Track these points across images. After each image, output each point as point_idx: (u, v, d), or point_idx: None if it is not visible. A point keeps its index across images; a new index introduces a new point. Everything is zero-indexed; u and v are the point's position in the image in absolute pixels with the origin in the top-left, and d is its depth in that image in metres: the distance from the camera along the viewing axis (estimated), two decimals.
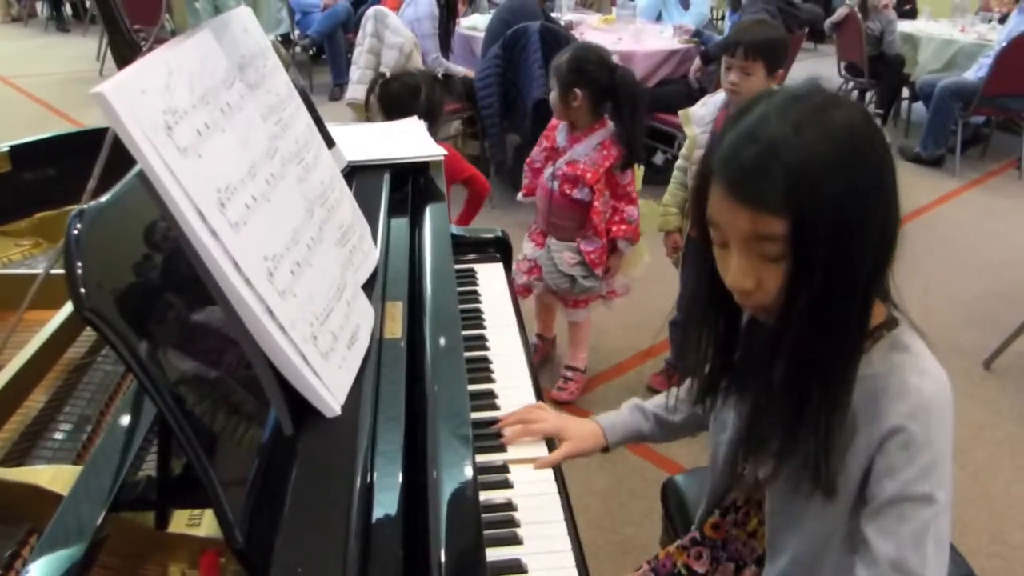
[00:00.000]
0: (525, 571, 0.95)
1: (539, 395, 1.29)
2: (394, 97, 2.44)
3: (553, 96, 2.29)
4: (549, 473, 1.13)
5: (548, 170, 2.39)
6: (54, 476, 0.80)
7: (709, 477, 1.16)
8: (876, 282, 0.85)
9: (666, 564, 1.22)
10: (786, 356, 0.87)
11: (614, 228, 2.37)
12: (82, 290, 0.55)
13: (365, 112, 2.84)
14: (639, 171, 2.43)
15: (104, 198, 0.64)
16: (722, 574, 1.18)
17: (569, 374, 2.63)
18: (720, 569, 1.18)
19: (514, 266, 2.47)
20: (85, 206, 0.60)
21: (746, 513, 1.15)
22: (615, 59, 2.37)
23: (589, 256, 2.38)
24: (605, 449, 1.23)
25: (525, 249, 2.52)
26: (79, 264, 0.56)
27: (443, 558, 0.78)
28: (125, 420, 0.83)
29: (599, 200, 2.32)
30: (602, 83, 2.23)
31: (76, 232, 0.57)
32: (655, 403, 1.24)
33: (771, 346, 0.88)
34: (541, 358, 2.77)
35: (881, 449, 0.85)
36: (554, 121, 2.42)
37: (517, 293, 2.45)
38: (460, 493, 0.86)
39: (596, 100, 2.27)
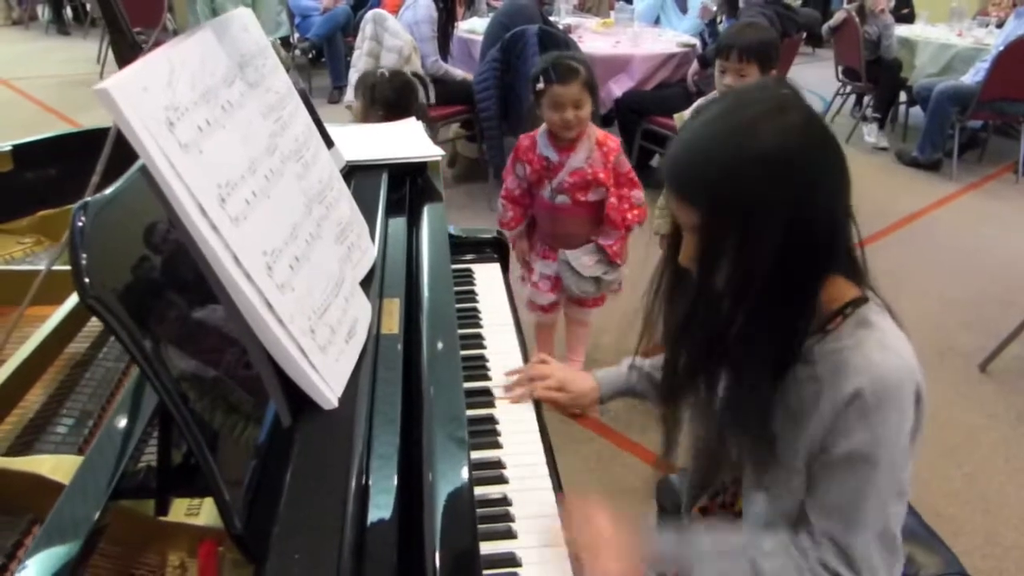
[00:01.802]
0: (520, 565, 0.96)
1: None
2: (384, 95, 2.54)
3: (589, 111, 2.20)
4: (545, 470, 1.14)
5: (546, 189, 2.33)
6: (55, 466, 0.82)
7: (692, 460, 1.20)
8: (796, 275, 0.91)
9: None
10: (707, 329, 0.98)
11: (629, 216, 2.34)
12: (86, 279, 0.57)
13: (360, 114, 2.86)
14: None
15: (108, 192, 0.66)
16: None
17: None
18: None
19: (529, 288, 2.47)
20: (89, 199, 0.62)
21: (733, 494, 1.16)
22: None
23: (611, 249, 2.35)
24: (600, 401, 1.32)
25: (540, 269, 2.46)
26: (83, 255, 0.57)
27: (438, 563, 0.79)
28: (126, 412, 0.84)
29: (613, 196, 2.30)
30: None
31: (80, 224, 0.59)
32: (651, 363, 1.30)
33: (691, 320, 1.00)
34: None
35: (839, 415, 0.90)
36: (524, 141, 2.35)
37: (546, 312, 2.49)
38: (455, 496, 0.87)
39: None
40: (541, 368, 1.32)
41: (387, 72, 2.89)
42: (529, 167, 2.33)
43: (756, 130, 0.86)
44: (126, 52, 1.39)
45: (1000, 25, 5.42)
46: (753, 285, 0.90)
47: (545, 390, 1.29)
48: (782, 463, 0.97)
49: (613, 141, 2.30)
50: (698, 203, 0.89)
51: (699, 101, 2.43)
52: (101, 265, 0.60)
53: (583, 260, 2.37)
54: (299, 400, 0.83)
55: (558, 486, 1.12)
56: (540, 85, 2.18)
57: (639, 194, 2.35)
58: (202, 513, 0.83)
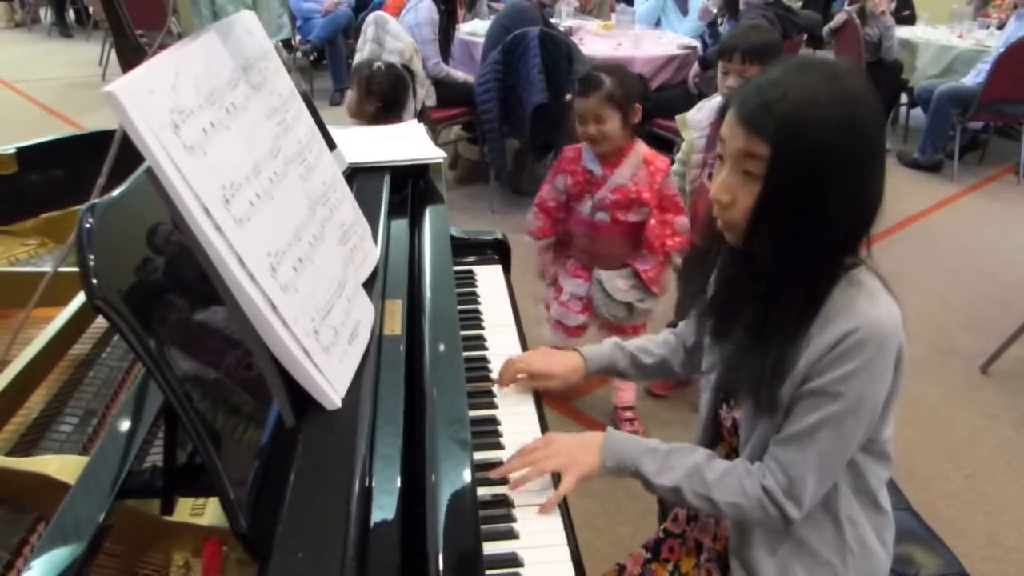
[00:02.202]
0: (521, 565, 0.97)
1: (535, 392, 1.31)
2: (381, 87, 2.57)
3: (614, 126, 2.12)
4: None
5: (586, 204, 2.23)
6: (61, 466, 0.82)
7: (695, 435, 1.23)
8: (841, 240, 0.95)
9: (653, 539, 1.27)
10: (748, 288, 1.00)
11: (669, 242, 2.22)
12: (94, 280, 0.58)
13: (354, 106, 2.87)
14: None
15: (114, 193, 0.67)
16: (700, 530, 1.23)
17: (628, 415, 2.49)
18: (698, 526, 1.23)
19: (556, 308, 2.36)
20: (96, 201, 0.62)
21: None
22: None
23: (647, 275, 2.24)
24: (586, 376, 1.35)
25: (569, 288, 2.34)
26: (91, 256, 0.58)
27: (441, 565, 0.79)
28: (130, 413, 0.85)
29: (654, 219, 2.19)
30: (641, 94, 2.15)
31: (88, 225, 0.59)
32: (634, 344, 1.35)
33: (736, 276, 1.03)
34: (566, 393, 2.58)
35: (821, 356, 0.95)
36: (569, 152, 2.26)
37: (571, 335, 2.35)
38: (458, 498, 0.88)
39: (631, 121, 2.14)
40: (521, 357, 1.33)
41: (382, 65, 2.89)
42: (571, 178, 2.24)
43: (839, 82, 0.90)
44: (130, 55, 1.40)
45: (1001, 27, 5.42)
46: (801, 241, 0.92)
47: (534, 380, 1.30)
48: (772, 419, 1.02)
49: (662, 161, 2.21)
50: (771, 135, 0.89)
51: (702, 102, 2.44)
52: (108, 266, 0.60)
53: (617, 283, 2.27)
54: (302, 400, 0.83)
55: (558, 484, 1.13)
56: (568, 96, 2.17)
57: (683, 220, 2.23)
58: (206, 513, 0.84)
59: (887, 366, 0.96)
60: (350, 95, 2.87)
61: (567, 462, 1.07)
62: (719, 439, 1.20)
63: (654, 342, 1.34)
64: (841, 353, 0.93)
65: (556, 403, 2.56)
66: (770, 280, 0.96)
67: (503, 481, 1.09)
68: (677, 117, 2.42)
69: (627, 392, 2.49)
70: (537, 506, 1.05)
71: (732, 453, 1.18)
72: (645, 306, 2.31)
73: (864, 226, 0.96)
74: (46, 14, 9.05)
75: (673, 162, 2.34)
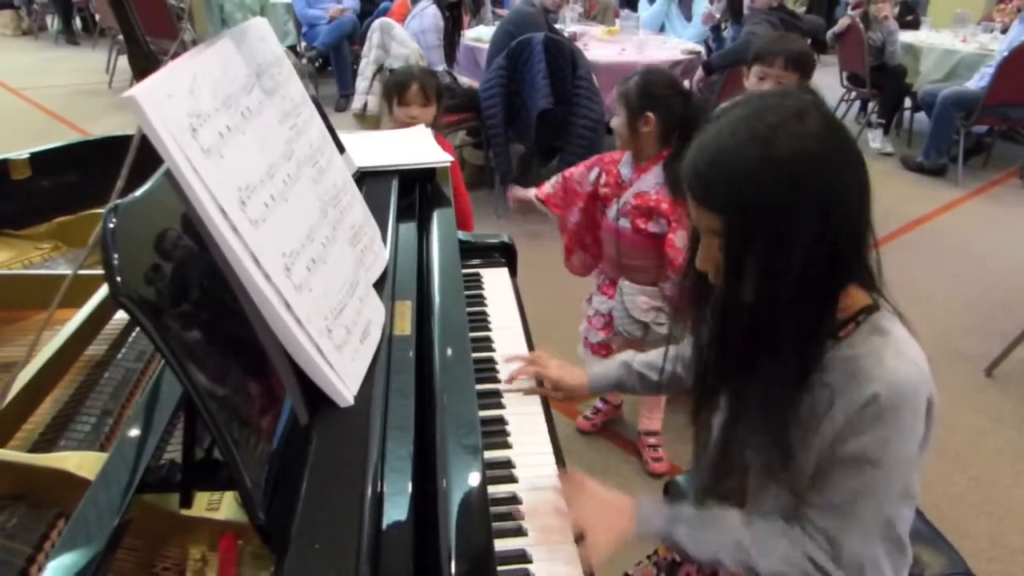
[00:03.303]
0: (530, 561, 0.98)
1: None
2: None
3: (619, 123, 2.10)
4: (553, 469, 1.16)
5: (612, 209, 2.17)
6: (81, 462, 0.84)
7: (695, 465, 1.21)
8: (824, 280, 0.91)
9: (665, 558, 1.25)
10: (735, 334, 0.99)
11: None
12: (118, 279, 0.59)
13: (374, 119, 2.83)
14: None
15: (136, 194, 0.68)
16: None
17: (652, 440, 2.39)
18: None
19: (583, 325, 2.32)
20: (119, 202, 0.64)
21: (741, 498, 1.17)
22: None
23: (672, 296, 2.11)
24: (589, 394, 1.37)
25: (596, 304, 2.30)
26: (115, 255, 0.60)
27: (454, 567, 0.81)
28: (147, 410, 0.87)
29: (675, 233, 2.07)
30: (676, 109, 2.05)
31: (112, 225, 0.61)
32: (641, 360, 1.33)
33: (720, 327, 1.01)
34: (602, 423, 2.55)
35: (852, 419, 0.92)
36: (616, 154, 2.22)
37: (594, 353, 2.27)
38: (469, 501, 0.89)
39: (667, 127, 2.06)
40: (542, 358, 1.35)
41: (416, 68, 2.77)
42: (606, 176, 2.20)
43: (776, 137, 0.86)
44: (142, 62, 1.42)
45: (1004, 31, 5.43)
46: (777, 290, 0.90)
47: (543, 389, 1.32)
48: (790, 469, 0.98)
49: None
50: (719, 209, 0.90)
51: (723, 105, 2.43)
52: (131, 264, 0.62)
53: (638, 299, 2.19)
54: (316, 398, 0.85)
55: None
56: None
57: None
58: (222, 507, 0.85)
59: (920, 423, 0.93)
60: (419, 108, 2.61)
61: (592, 523, 1.04)
62: (730, 469, 1.19)
63: (665, 357, 1.29)
64: (873, 417, 0.90)
65: (562, 405, 2.57)
66: (768, 324, 0.94)
67: (511, 480, 1.11)
68: None
69: (653, 419, 2.43)
70: (552, 544, 1.03)
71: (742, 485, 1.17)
72: (662, 331, 2.19)
73: (853, 254, 0.93)
74: (53, 22, 9.11)
75: None
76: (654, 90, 2.04)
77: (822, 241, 0.87)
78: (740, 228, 0.89)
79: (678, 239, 2.05)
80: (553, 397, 1.32)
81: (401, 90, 2.55)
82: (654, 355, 1.33)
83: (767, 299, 0.92)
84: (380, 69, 3.58)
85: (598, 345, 2.30)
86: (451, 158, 1.71)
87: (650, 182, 2.09)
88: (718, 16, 4.96)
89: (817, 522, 0.96)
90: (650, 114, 2.03)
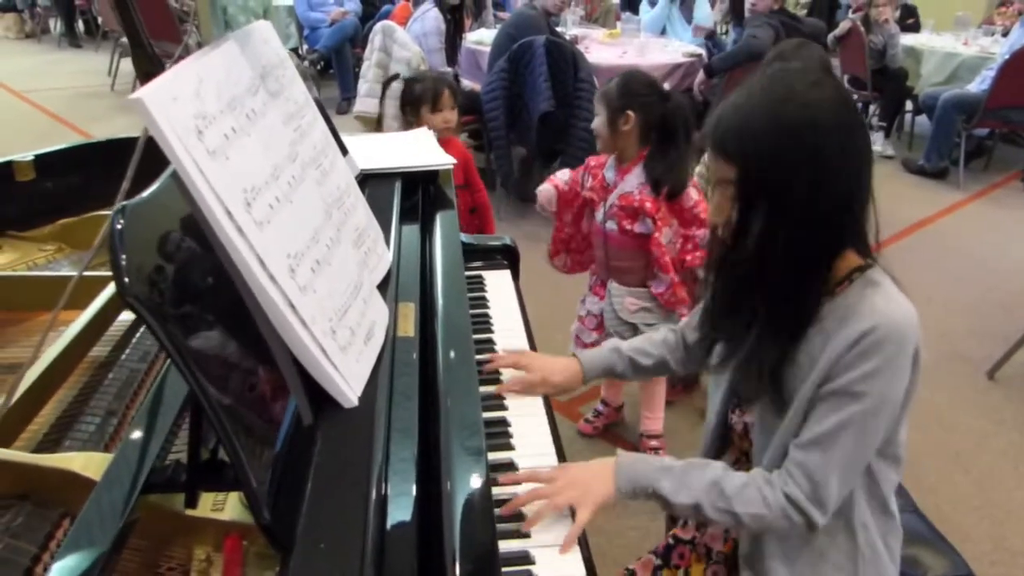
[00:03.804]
0: (533, 562, 0.99)
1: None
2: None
3: (599, 123, 2.13)
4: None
5: (599, 212, 2.19)
6: (86, 462, 0.84)
7: (703, 442, 1.25)
8: (827, 237, 0.99)
9: (663, 545, 1.27)
10: (749, 287, 1.05)
11: (688, 257, 2.14)
12: (126, 279, 0.60)
13: (376, 122, 2.86)
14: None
15: (142, 196, 0.69)
16: (711, 536, 1.23)
17: (654, 443, 2.39)
18: (708, 532, 1.24)
19: (575, 325, 2.33)
20: (126, 203, 0.64)
21: None
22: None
23: (663, 298, 2.15)
24: (583, 382, 1.38)
25: (588, 305, 2.31)
26: (123, 256, 0.60)
27: (458, 569, 0.81)
28: (152, 411, 0.87)
29: (660, 232, 2.10)
30: (655, 108, 2.06)
31: (119, 226, 0.62)
32: (632, 346, 1.37)
33: (732, 280, 1.09)
34: (604, 425, 2.55)
35: (841, 356, 0.97)
36: (601, 158, 2.24)
37: None
38: (473, 502, 0.90)
39: (647, 125, 2.08)
40: (527, 355, 1.36)
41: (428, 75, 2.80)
42: (592, 180, 2.22)
43: (790, 98, 0.96)
44: (146, 65, 1.43)
45: (1006, 34, 5.44)
46: (778, 243, 0.97)
47: (530, 386, 1.31)
48: (784, 418, 1.03)
49: None
50: (732, 157, 0.98)
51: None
52: (138, 265, 0.63)
53: (626, 301, 2.20)
54: (320, 399, 0.85)
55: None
56: None
57: (707, 233, 2.07)
58: (227, 508, 0.86)
59: (906, 364, 0.97)
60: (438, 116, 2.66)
61: (580, 495, 1.06)
62: (728, 444, 1.21)
63: (652, 342, 1.36)
64: (861, 352, 0.95)
65: (564, 407, 2.57)
66: (766, 279, 1.01)
67: (513, 483, 1.11)
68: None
69: (654, 420, 2.42)
70: (554, 544, 1.02)
71: (742, 457, 1.19)
72: (650, 330, 2.12)
73: (849, 222, 1.00)
74: (56, 25, 9.12)
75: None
76: (634, 88, 2.09)
77: (819, 199, 0.95)
78: (750, 178, 0.97)
79: (663, 237, 2.11)
80: (547, 393, 1.32)
81: (436, 97, 2.64)
82: (642, 340, 1.39)
83: (769, 252, 0.98)
84: (394, 77, 3.57)
85: (590, 344, 2.29)
86: (453, 160, 1.72)
87: (633, 183, 2.12)
88: (709, 27, 4.97)
89: (797, 458, 1.00)
90: (630, 112, 2.06)
